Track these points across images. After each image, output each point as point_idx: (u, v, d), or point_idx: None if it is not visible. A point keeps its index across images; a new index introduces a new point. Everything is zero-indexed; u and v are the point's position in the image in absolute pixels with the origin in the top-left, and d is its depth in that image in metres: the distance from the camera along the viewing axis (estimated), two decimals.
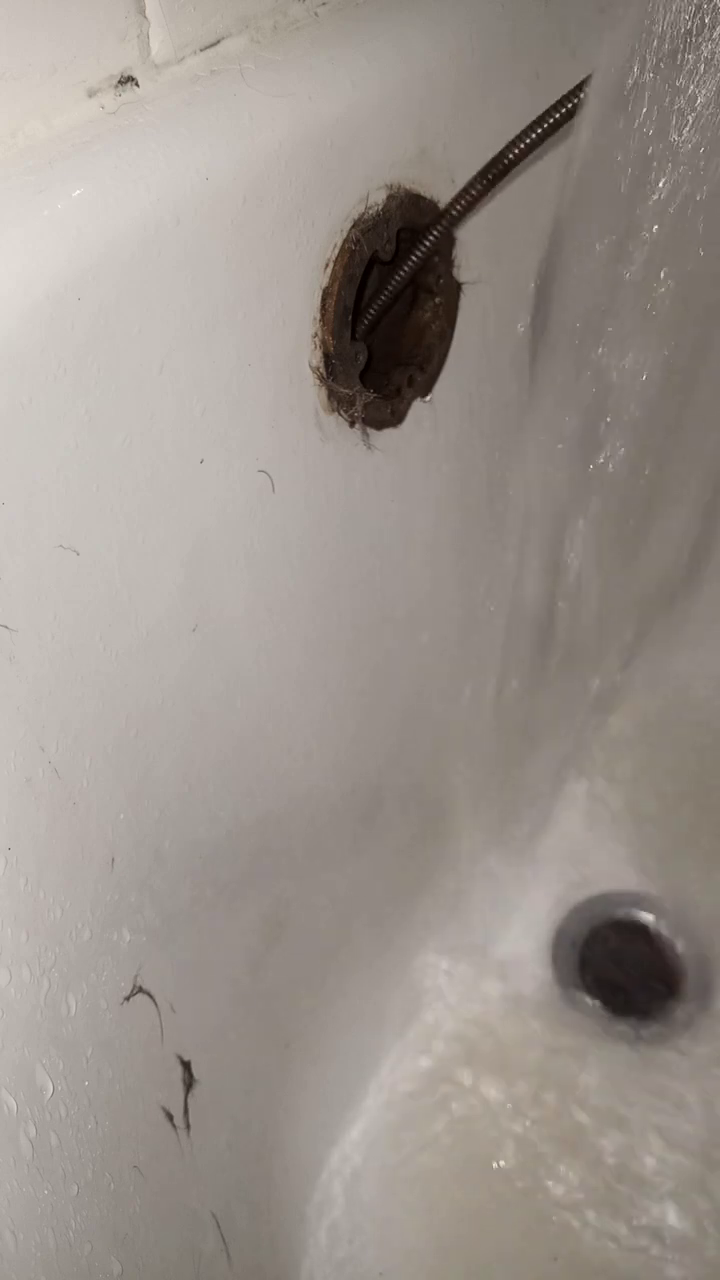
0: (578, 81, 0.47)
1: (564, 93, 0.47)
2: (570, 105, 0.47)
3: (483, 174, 0.49)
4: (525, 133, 0.48)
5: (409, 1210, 0.70)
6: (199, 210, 0.41)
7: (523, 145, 0.48)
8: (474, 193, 0.49)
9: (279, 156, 0.44)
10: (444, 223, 0.51)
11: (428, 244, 0.51)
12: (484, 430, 0.64)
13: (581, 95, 0.46)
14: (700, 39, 0.44)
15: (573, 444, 0.64)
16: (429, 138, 0.51)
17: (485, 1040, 0.76)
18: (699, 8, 0.44)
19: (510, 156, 0.48)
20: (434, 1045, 0.76)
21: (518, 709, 0.77)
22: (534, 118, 0.48)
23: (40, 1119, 0.41)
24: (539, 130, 0.47)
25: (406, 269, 0.51)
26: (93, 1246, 0.43)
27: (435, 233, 0.51)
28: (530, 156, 0.49)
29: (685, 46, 0.44)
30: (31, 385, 0.37)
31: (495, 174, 0.49)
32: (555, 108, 0.47)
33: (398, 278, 0.51)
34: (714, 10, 0.43)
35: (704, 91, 0.45)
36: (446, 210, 0.51)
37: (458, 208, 0.50)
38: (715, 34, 0.44)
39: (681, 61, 0.44)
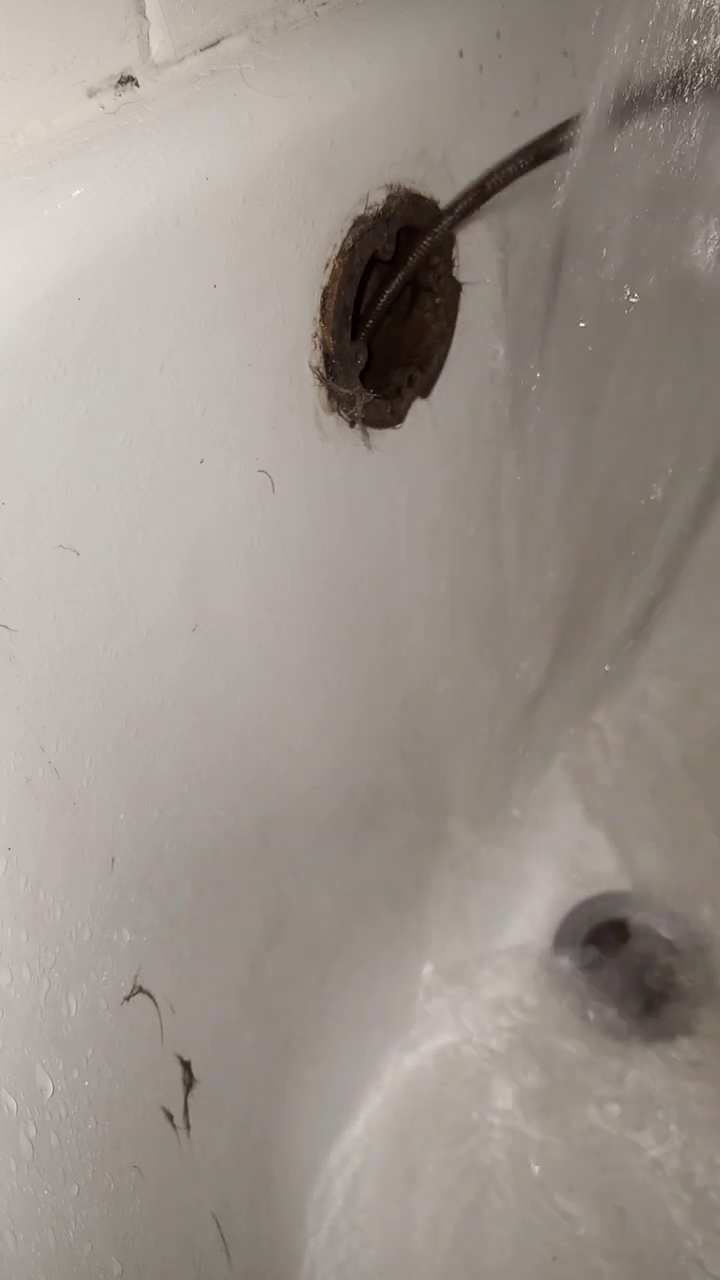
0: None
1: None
2: (571, 126, 0.47)
3: (483, 182, 0.49)
4: (526, 150, 0.48)
5: (409, 1210, 0.70)
6: (199, 210, 0.41)
7: (522, 163, 0.48)
8: (472, 200, 0.50)
9: (279, 156, 0.44)
10: (443, 225, 0.51)
11: (425, 245, 0.51)
12: (484, 429, 0.64)
13: (582, 117, 0.46)
14: (698, 37, 0.44)
15: (574, 440, 0.64)
16: (429, 137, 0.51)
17: (485, 1040, 0.76)
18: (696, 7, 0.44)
19: (510, 170, 0.48)
20: (434, 1045, 0.76)
21: (518, 707, 0.77)
22: (535, 128, 0.48)
23: (40, 1119, 0.41)
24: (538, 152, 0.47)
25: (406, 269, 0.51)
26: (93, 1246, 0.43)
27: (434, 234, 0.51)
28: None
29: (682, 47, 0.44)
30: (31, 385, 0.37)
31: (496, 184, 0.49)
32: (557, 130, 0.47)
33: (397, 277, 0.51)
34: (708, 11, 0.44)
35: (702, 89, 0.45)
36: (445, 213, 0.51)
37: (456, 212, 0.50)
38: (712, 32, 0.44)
39: (678, 64, 0.44)
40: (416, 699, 0.69)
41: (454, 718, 0.74)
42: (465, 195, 0.50)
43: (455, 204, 0.50)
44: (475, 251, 0.56)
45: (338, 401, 0.51)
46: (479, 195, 0.49)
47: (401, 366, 0.56)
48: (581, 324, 0.58)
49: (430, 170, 0.51)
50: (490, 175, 0.49)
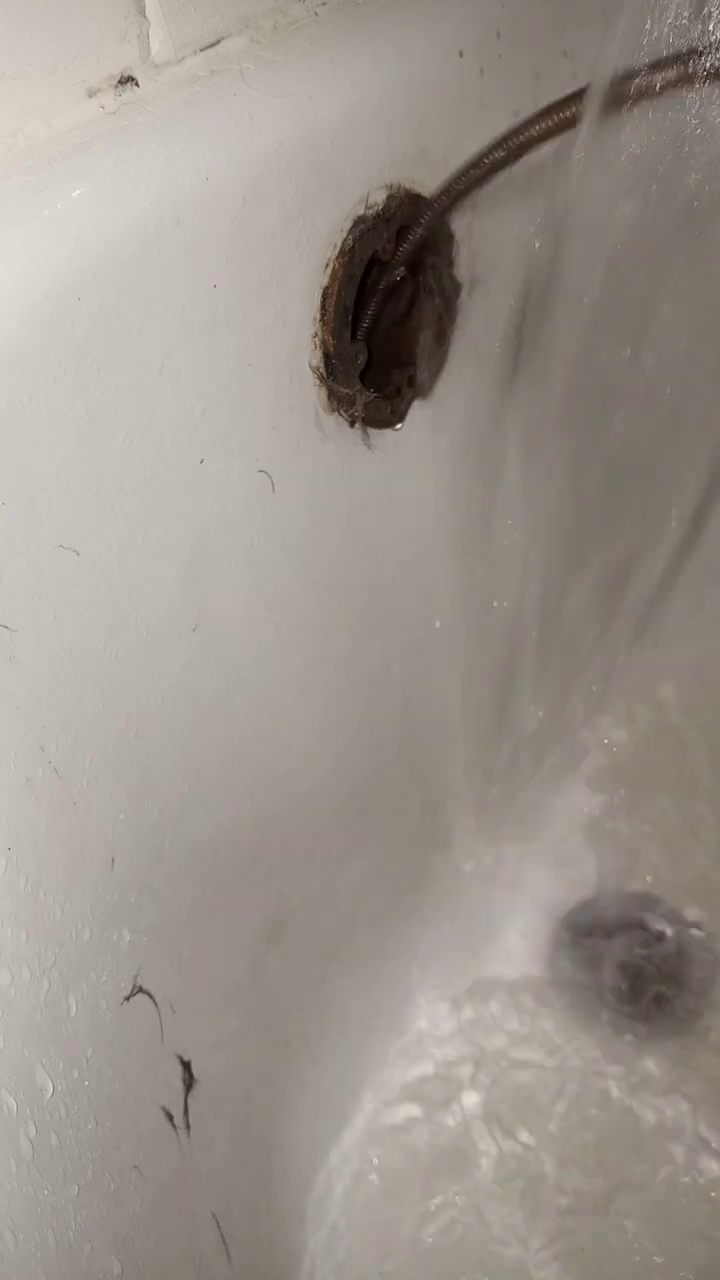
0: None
1: (562, 94, 0.47)
2: (568, 113, 0.47)
3: (474, 163, 0.49)
4: (519, 129, 0.47)
5: (409, 1210, 0.70)
6: (199, 210, 0.41)
7: (517, 141, 0.47)
8: (463, 183, 0.49)
9: (279, 156, 0.44)
10: (434, 209, 0.50)
11: (418, 234, 0.50)
12: (484, 429, 0.64)
13: (579, 106, 0.46)
14: (698, 39, 0.44)
15: (575, 439, 0.64)
16: (429, 137, 0.51)
17: (484, 1040, 0.76)
18: (697, 11, 0.44)
19: (504, 151, 0.48)
20: (433, 1045, 0.76)
21: (518, 707, 0.77)
22: (530, 116, 0.48)
23: (40, 1119, 0.41)
24: (534, 130, 0.47)
25: (398, 259, 0.51)
26: (93, 1246, 0.43)
27: (425, 219, 0.50)
28: (530, 156, 0.49)
29: (682, 49, 0.44)
30: (31, 385, 0.37)
31: (489, 165, 0.48)
32: (552, 110, 0.47)
33: (391, 269, 0.51)
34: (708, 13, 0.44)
35: (701, 95, 0.45)
36: (435, 198, 0.50)
37: (445, 196, 0.50)
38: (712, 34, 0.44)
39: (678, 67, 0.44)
40: (417, 699, 0.69)
41: (455, 717, 0.73)
42: (453, 180, 0.50)
43: (443, 190, 0.50)
44: (475, 251, 0.56)
45: (338, 401, 0.51)
46: (466, 180, 0.49)
47: (401, 366, 0.56)
48: (581, 323, 0.58)
49: (431, 170, 0.51)
50: (476, 160, 0.49)
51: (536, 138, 0.47)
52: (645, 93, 0.44)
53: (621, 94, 0.45)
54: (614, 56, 0.45)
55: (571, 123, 0.47)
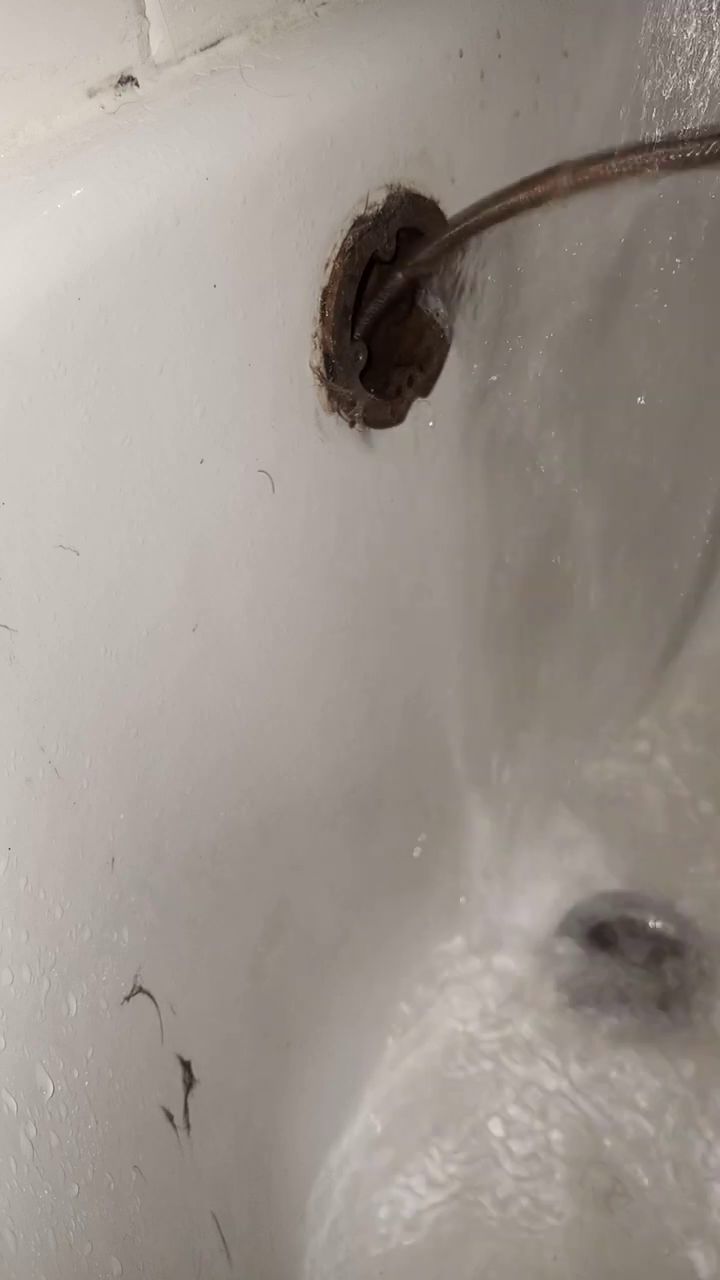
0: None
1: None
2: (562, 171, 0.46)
3: (475, 217, 0.49)
4: (520, 199, 0.47)
5: (409, 1211, 0.70)
6: (199, 210, 0.41)
7: (521, 198, 0.47)
8: (472, 225, 0.49)
9: (279, 156, 0.44)
10: (435, 245, 0.50)
11: (423, 258, 0.50)
12: (484, 430, 0.64)
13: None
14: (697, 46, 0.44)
15: (574, 440, 0.64)
16: (429, 138, 0.51)
17: (484, 1040, 0.76)
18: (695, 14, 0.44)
19: (512, 204, 0.48)
20: (433, 1046, 0.76)
21: (520, 708, 0.77)
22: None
23: (40, 1119, 0.41)
24: (529, 192, 0.47)
25: (403, 275, 0.51)
26: (93, 1246, 0.43)
27: (425, 254, 0.50)
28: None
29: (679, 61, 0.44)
30: (31, 385, 0.37)
31: (488, 219, 0.48)
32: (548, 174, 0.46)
33: (397, 279, 0.51)
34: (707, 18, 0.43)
35: (699, 103, 0.45)
36: (438, 240, 0.50)
37: (456, 231, 0.50)
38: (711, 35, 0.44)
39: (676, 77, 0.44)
40: (417, 699, 0.69)
41: (455, 718, 0.73)
42: (455, 229, 0.50)
43: (447, 236, 0.50)
44: (476, 251, 0.56)
45: (338, 402, 0.51)
46: (470, 229, 0.49)
47: (401, 366, 0.56)
48: (583, 322, 0.58)
49: (430, 170, 0.51)
50: (483, 212, 0.48)
51: (545, 197, 0.47)
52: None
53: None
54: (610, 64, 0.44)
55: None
